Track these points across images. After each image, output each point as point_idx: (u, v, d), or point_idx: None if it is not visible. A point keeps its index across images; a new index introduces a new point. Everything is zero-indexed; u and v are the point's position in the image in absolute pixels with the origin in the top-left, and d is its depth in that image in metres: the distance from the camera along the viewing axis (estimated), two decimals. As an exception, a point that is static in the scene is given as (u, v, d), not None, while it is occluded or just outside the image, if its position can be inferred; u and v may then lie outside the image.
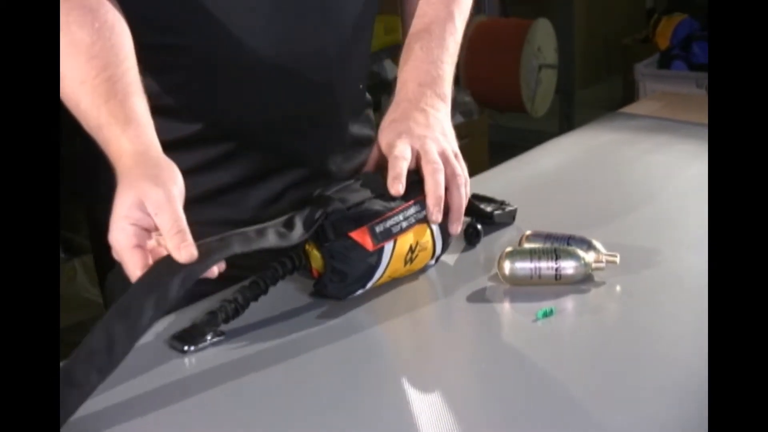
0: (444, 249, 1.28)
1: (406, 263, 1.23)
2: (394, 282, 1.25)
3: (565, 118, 4.52)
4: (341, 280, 1.18)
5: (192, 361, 1.11)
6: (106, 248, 1.30)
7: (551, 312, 1.16)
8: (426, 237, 1.24)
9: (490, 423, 0.99)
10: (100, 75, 1.13)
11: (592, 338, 1.16)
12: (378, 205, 1.20)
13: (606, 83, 5.32)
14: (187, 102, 1.29)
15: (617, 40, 5.19)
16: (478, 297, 1.22)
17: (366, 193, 1.21)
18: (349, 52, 1.35)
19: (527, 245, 1.28)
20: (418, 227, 1.23)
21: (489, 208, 1.42)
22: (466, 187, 1.24)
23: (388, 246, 1.19)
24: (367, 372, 1.08)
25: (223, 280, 1.12)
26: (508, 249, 1.24)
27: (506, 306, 1.21)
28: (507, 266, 1.22)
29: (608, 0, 5.37)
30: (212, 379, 1.07)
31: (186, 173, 1.28)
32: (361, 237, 1.17)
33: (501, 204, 1.44)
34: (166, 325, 1.17)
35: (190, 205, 1.24)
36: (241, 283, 1.20)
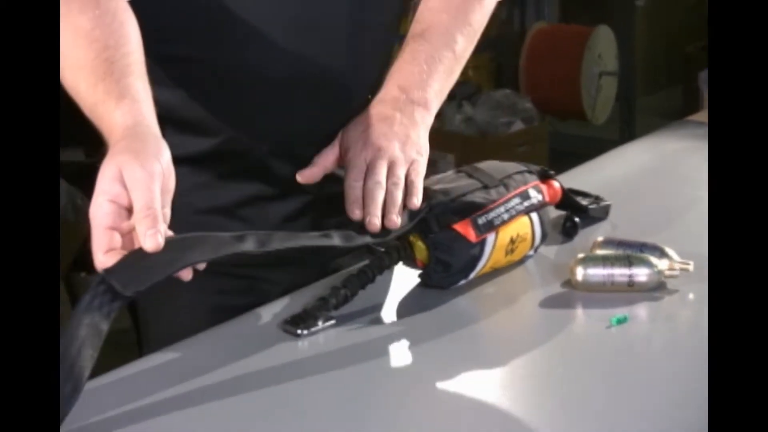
0: (543, 240, 1.31)
1: (506, 254, 1.27)
2: (495, 272, 1.28)
3: (626, 126, 4.50)
4: (445, 270, 1.22)
5: (305, 344, 1.15)
6: None
7: (625, 319, 1.17)
8: (526, 228, 1.28)
9: (565, 424, 1.01)
10: (99, 56, 1.11)
11: (665, 346, 1.17)
12: (480, 197, 1.23)
13: (666, 91, 5.29)
14: (206, 115, 1.28)
15: (678, 48, 5.16)
16: (551, 303, 1.23)
17: (466, 185, 1.24)
18: (369, 67, 1.34)
19: (600, 252, 1.28)
20: (519, 219, 1.26)
21: (585, 202, 1.44)
22: (401, 192, 1.21)
23: (490, 237, 1.23)
24: (464, 360, 1.13)
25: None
26: (581, 255, 1.25)
27: (579, 312, 1.22)
28: (580, 272, 1.23)
29: (669, 7, 5.33)
30: (325, 361, 1.11)
31: (204, 187, 1.30)
32: (465, 229, 1.21)
33: (596, 198, 1.47)
34: (278, 310, 1.22)
35: (208, 219, 1.26)
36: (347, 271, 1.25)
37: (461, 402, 1.06)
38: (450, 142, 3.88)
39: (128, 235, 1.02)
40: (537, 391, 1.08)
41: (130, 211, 1.01)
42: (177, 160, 1.26)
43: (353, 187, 1.22)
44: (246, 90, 1.26)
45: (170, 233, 1.04)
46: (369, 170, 1.22)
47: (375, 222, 1.19)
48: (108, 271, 0.99)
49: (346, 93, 1.31)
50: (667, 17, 5.37)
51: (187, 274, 1.06)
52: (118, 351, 1.16)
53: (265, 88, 1.26)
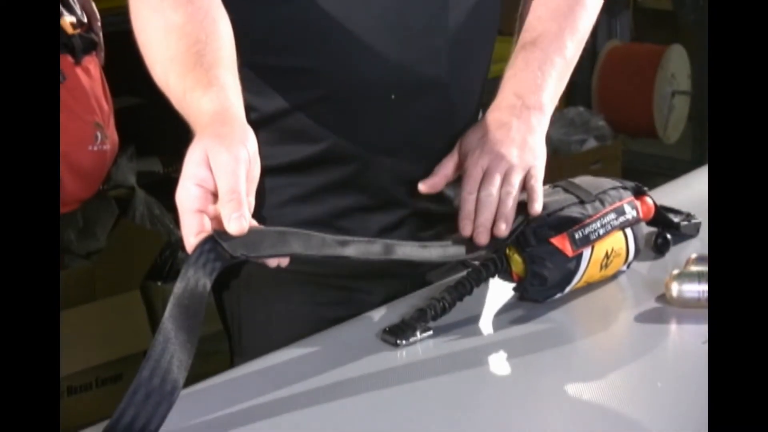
0: (636, 255, 1.32)
1: (601, 268, 1.27)
2: (589, 286, 1.29)
3: (698, 145, 4.47)
4: (541, 283, 1.23)
5: (403, 354, 1.17)
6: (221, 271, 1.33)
7: (721, 335, 1.17)
8: (621, 244, 1.29)
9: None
10: (190, 50, 1.13)
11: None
12: (576, 212, 1.24)
13: (739, 111, 5.24)
14: (307, 123, 1.28)
15: (752, 68, 5.12)
16: (646, 318, 1.24)
17: (562, 200, 1.25)
18: (467, 80, 1.35)
19: (694, 268, 1.28)
20: (614, 234, 1.27)
21: (676, 219, 1.44)
22: (513, 201, 1.23)
23: (586, 252, 1.24)
24: (559, 373, 1.14)
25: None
26: (676, 272, 1.25)
27: (673, 327, 1.22)
28: (675, 288, 1.23)
29: (742, 27, 5.30)
30: (423, 371, 1.13)
31: (301, 198, 1.31)
32: (561, 243, 1.22)
33: (687, 216, 1.47)
34: (377, 320, 1.24)
35: (306, 229, 1.27)
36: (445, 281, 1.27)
37: (556, 414, 1.07)
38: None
39: (216, 219, 1.02)
40: (633, 406, 1.08)
41: (215, 196, 1.02)
42: (276, 171, 1.28)
43: (467, 201, 1.24)
44: (347, 98, 1.27)
45: (255, 223, 1.04)
46: (484, 180, 1.24)
47: (483, 233, 1.21)
48: (218, 233, 1.00)
49: (446, 104, 1.32)
50: (740, 37, 5.33)
51: (285, 261, 1.07)
52: (209, 360, 1.17)
53: (366, 95, 1.27)
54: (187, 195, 1.02)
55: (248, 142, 1.05)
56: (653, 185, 1.64)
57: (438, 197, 1.32)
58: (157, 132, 3.36)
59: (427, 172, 1.30)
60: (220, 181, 1.01)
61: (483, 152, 1.26)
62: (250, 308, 1.38)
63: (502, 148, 1.26)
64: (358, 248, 1.12)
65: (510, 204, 1.22)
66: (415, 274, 1.35)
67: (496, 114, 1.30)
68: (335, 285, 1.32)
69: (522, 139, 1.27)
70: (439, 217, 1.33)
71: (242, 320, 1.40)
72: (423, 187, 1.28)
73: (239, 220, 1.00)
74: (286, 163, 1.28)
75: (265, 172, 1.29)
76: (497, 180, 1.23)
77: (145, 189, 3.09)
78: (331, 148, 1.29)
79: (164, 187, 3.34)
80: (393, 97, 1.27)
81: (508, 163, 1.24)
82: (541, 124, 1.30)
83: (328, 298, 1.33)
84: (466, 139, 1.30)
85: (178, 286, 0.99)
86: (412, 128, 1.30)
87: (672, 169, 1.84)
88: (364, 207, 1.32)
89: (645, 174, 1.47)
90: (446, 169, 1.30)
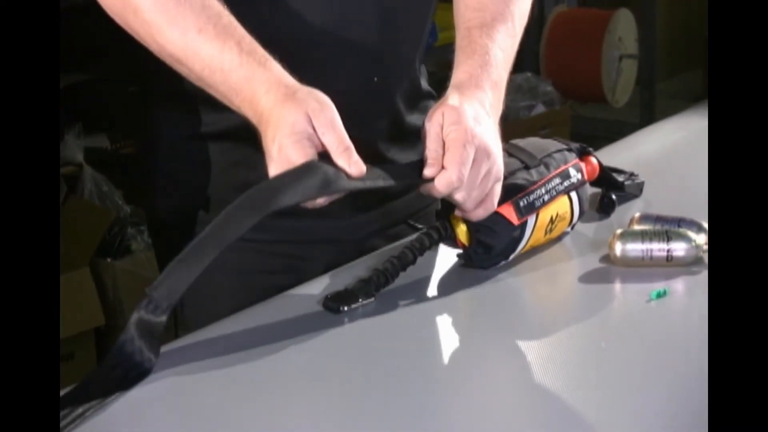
0: (580, 217, 1.32)
1: (546, 233, 1.28)
2: (534, 249, 1.30)
3: (647, 109, 4.49)
4: (486, 251, 1.22)
5: (345, 320, 1.16)
6: (168, 244, 1.32)
7: (665, 293, 1.18)
8: (566, 208, 1.29)
9: (605, 397, 1.02)
10: (218, 23, 1.15)
11: (704, 319, 1.16)
12: (521, 178, 1.24)
13: (687, 74, 5.27)
14: None
15: (698, 31, 5.15)
16: (590, 278, 1.24)
17: (507, 165, 1.23)
18: (401, 37, 1.35)
19: (638, 227, 1.29)
20: (559, 198, 1.27)
21: (620, 179, 1.45)
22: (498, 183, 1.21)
23: (531, 219, 1.24)
24: (504, 336, 1.15)
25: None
26: (619, 231, 1.25)
27: (618, 286, 1.23)
28: (619, 248, 1.24)
29: (689, -10, 5.32)
30: (366, 337, 1.13)
31: (241, 162, 1.30)
32: (507, 211, 1.21)
33: (630, 175, 1.47)
34: (319, 289, 1.23)
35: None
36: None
37: (502, 377, 1.08)
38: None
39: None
40: (578, 365, 1.09)
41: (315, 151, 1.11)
42: (215, 137, 1.28)
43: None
44: (276, 53, 1.24)
45: None
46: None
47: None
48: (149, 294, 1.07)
49: (378, 60, 1.31)
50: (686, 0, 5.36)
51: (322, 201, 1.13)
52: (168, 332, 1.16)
53: (297, 52, 1.24)
54: (304, 153, 1.10)
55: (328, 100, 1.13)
56: (602, 149, 1.66)
57: (378, 154, 1.33)
58: (104, 108, 3.34)
59: (365, 137, 1.26)
60: (329, 137, 1.11)
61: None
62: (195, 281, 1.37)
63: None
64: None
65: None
66: (357, 240, 1.35)
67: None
68: (277, 252, 1.32)
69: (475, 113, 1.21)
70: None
71: (185, 294, 1.39)
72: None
73: (358, 164, 1.11)
74: (222, 130, 1.28)
75: (209, 137, 1.29)
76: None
77: (92, 165, 3.06)
78: None
79: (112, 163, 3.32)
80: (327, 56, 1.28)
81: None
82: (493, 103, 1.25)
83: (271, 266, 1.33)
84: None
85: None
86: (344, 86, 1.27)
87: (620, 133, 1.84)
88: None
89: (594, 138, 1.48)
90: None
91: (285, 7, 1.25)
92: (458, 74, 1.25)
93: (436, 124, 1.17)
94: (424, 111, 1.39)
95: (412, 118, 1.39)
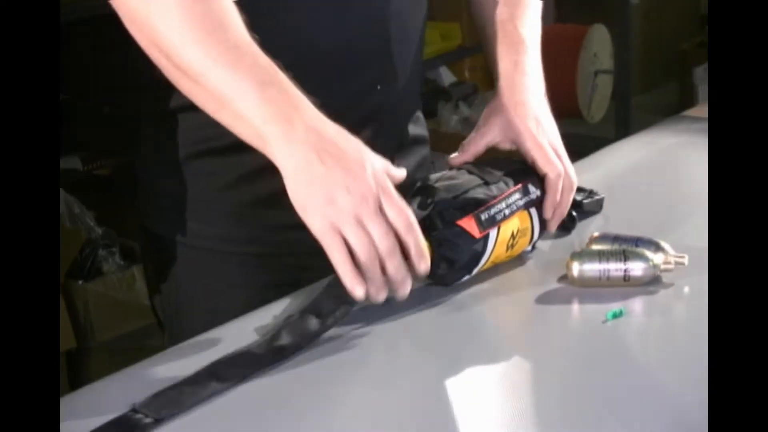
0: (540, 235, 1.32)
1: (507, 249, 1.27)
2: (495, 268, 1.29)
3: (622, 124, 4.50)
4: (449, 266, 1.22)
5: None
6: (159, 260, 1.30)
7: (620, 313, 1.17)
8: (526, 223, 1.29)
9: (563, 420, 1.01)
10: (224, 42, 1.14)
11: (661, 339, 1.17)
12: (481, 193, 1.24)
13: (662, 88, 5.29)
14: None
15: (673, 45, 5.17)
16: (548, 299, 1.24)
17: (467, 181, 1.24)
18: (398, 51, 1.35)
19: (595, 247, 1.28)
20: (519, 214, 1.27)
21: (579, 197, 1.45)
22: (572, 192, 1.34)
23: (492, 233, 1.24)
24: (462, 355, 1.14)
25: None
26: (576, 251, 1.25)
27: (575, 307, 1.22)
28: (576, 268, 1.23)
29: (664, 5, 5.33)
30: (325, 355, 1.13)
31: (247, 178, 1.30)
32: (468, 225, 1.21)
33: (589, 193, 1.48)
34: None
35: (251, 211, 1.24)
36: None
37: (459, 396, 1.07)
38: (447, 142, 3.83)
39: None
40: (534, 386, 1.09)
41: None
42: (220, 151, 1.29)
43: (556, 182, 1.35)
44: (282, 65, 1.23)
45: None
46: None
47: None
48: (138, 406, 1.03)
49: (380, 71, 1.34)
50: (661, 14, 5.37)
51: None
52: (138, 356, 1.16)
53: (309, 68, 1.23)
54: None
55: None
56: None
57: None
58: (76, 130, 3.33)
59: (365, 142, 1.27)
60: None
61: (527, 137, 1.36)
62: (190, 296, 1.37)
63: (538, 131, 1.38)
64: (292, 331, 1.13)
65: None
66: None
67: (507, 92, 1.39)
68: (284, 265, 1.33)
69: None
70: None
71: (182, 309, 1.39)
72: (452, 161, 1.34)
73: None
74: (230, 143, 1.24)
75: (209, 153, 1.29)
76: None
77: (64, 188, 3.04)
78: None
79: (84, 185, 3.30)
80: (328, 66, 1.29)
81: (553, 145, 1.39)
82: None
83: (277, 279, 1.32)
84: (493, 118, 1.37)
85: None
86: (349, 97, 1.30)
87: (596, 149, 1.85)
88: None
89: (570, 153, 1.47)
90: (477, 146, 1.35)
91: (291, 22, 1.26)
92: (504, 64, 1.40)
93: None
94: (417, 121, 1.49)
95: (411, 128, 1.45)
